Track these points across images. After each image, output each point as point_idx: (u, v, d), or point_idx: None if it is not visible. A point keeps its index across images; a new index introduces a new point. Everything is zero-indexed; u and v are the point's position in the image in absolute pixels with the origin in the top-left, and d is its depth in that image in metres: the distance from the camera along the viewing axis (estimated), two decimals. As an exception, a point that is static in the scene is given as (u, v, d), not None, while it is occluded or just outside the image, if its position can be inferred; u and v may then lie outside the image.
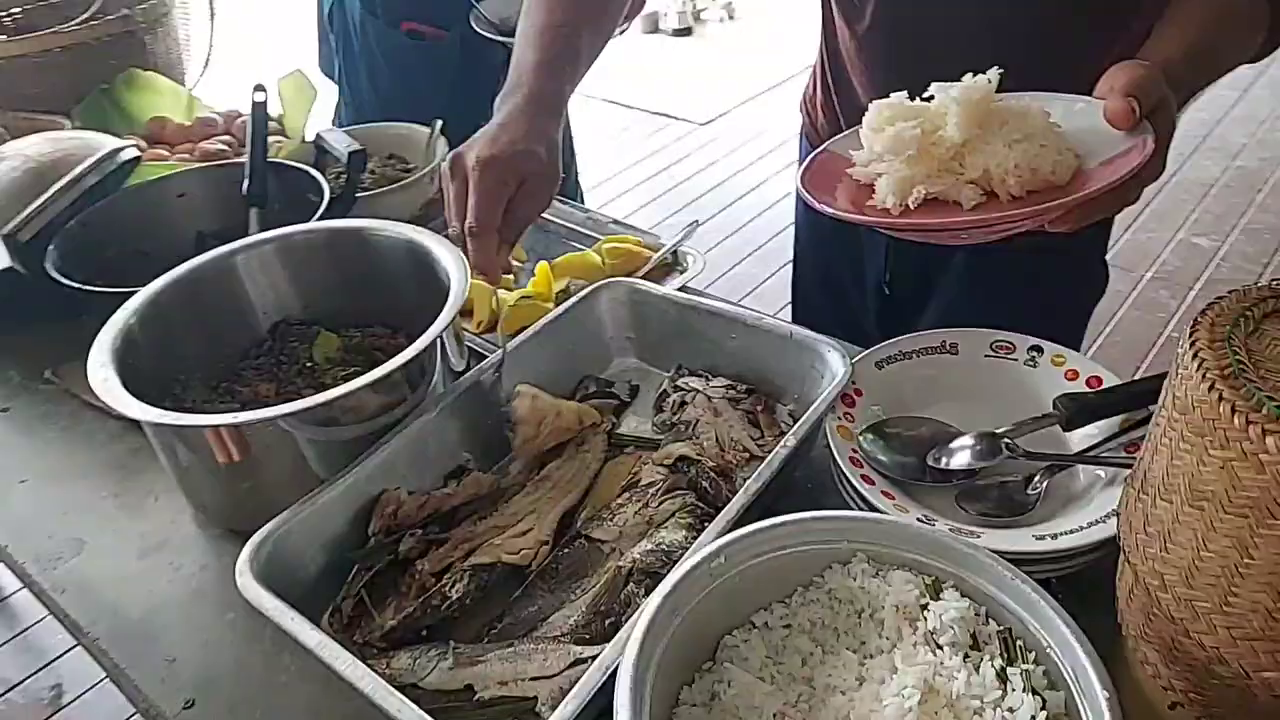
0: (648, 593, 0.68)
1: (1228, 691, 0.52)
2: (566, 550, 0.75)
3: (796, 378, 0.86)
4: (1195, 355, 0.48)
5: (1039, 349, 0.81)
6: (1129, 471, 0.63)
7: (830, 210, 0.73)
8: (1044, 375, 0.80)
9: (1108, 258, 1.07)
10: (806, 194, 0.74)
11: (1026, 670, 0.53)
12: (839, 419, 0.77)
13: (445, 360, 0.87)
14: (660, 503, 0.76)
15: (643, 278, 1.04)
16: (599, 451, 0.85)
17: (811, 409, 0.76)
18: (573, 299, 0.94)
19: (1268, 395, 0.45)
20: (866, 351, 0.83)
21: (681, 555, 0.69)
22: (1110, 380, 0.76)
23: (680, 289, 1.04)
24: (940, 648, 0.56)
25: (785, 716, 0.57)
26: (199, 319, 0.94)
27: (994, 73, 0.72)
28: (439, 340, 0.82)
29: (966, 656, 0.55)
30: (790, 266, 1.29)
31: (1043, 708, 0.52)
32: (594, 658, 0.61)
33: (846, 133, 0.81)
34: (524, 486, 0.81)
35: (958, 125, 0.71)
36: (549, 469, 0.82)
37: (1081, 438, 0.75)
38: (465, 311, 1.03)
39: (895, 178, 0.72)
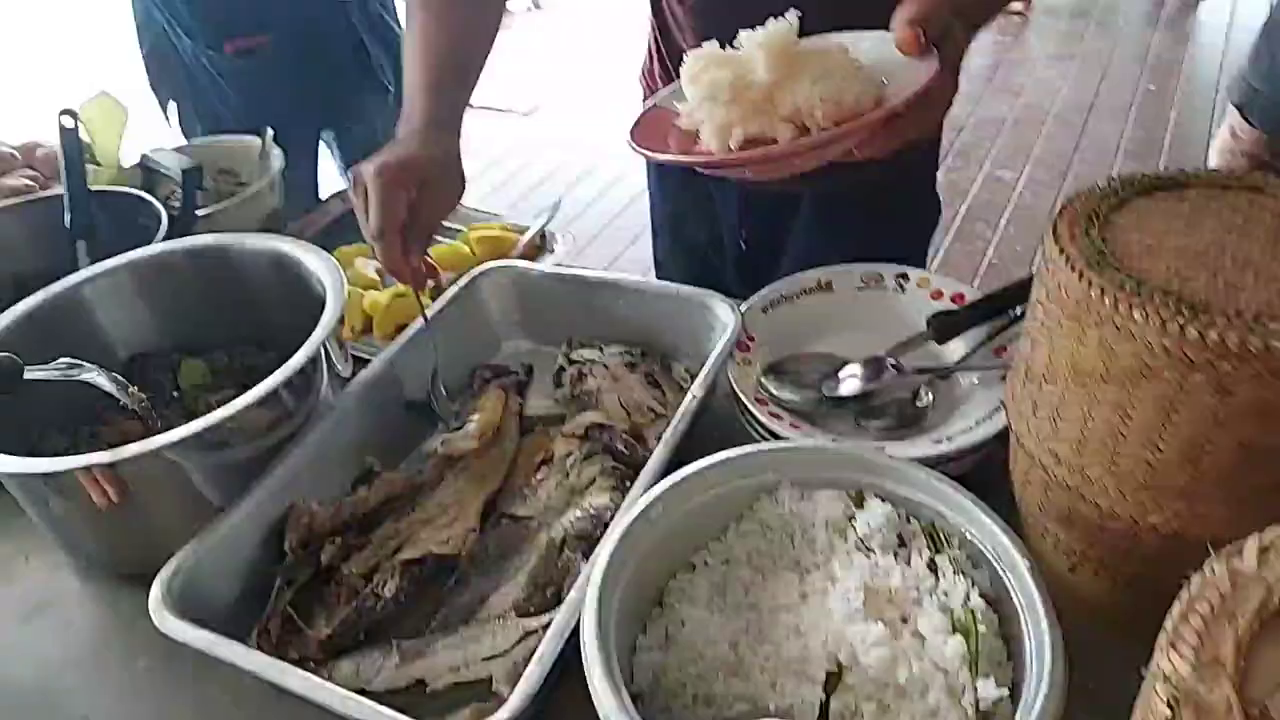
0: (585, 556, 0.69)
1: (1120, 542, 0.58)
2: (494, 532, 0.74)
3: (688, 335, 0.89)
4: (1061, 251, 0.54)
5: (905, 276, 0.88)
6: (1005, 370, 0.70)
7: (662, 156, 0.77)
8: (913, 299, 0.86)
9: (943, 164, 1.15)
10: (635, 144, 0.77)
11: (953, 556, 0.58)
12: (737, 364, 0.81)
13: (331, 368, 0.85)
14: (580, 471, 0.77)
15: (517, 261, 1.03)
16: (513, 434, 0.85)
17: (712, 358, 0.79)
18: (453, 289, 0.93)
19: (1127, 275, 0.51)
20: (752, 299, 0.87)
21: (611, 516, 0.71)
22: (971, 296, 0.83)
23: (556, 265, 1.05)
24: (872, 551, 0.60)
25: (739, 642, 0.60)
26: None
27: (792, 15, 0.77)
28: (322, 348, 0.79)
29: (896, 554, 0.60)
30: (645, 241, 1.32)
31: (973, 585, 0.56)
32: (545, 627, 0.62)
33: (671, 86, 0.84)
34: (441, 480, 0.80)
35: (765, 68, 0.76)
36: (465, 459, 0.81)
37: (954, 349, 0.82)
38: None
39: (715, 123, 0.76)
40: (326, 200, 1.33)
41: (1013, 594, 0.55)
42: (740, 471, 0.64)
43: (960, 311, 0.81)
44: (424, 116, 0.84)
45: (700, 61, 0.78)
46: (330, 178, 1.74)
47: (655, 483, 0.66)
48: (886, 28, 0.78)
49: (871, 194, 0.99)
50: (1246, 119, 1.23)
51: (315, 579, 0.71)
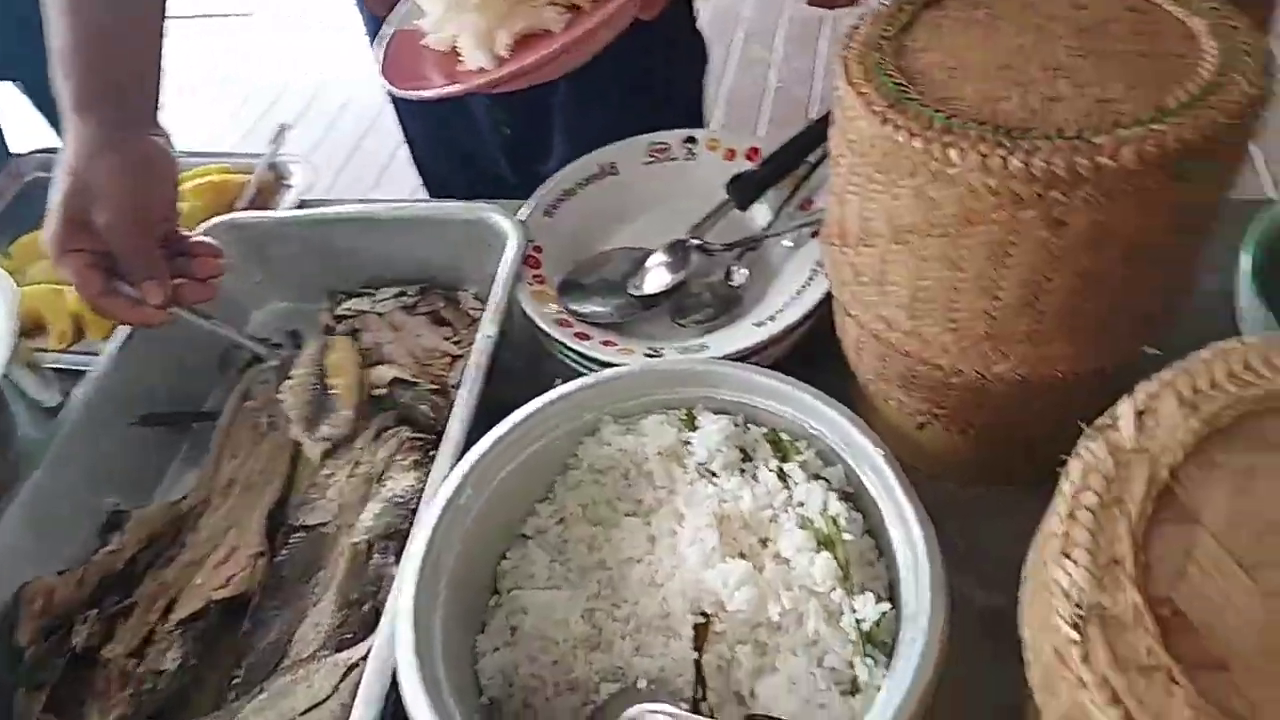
0: (399, 556, 0.58)
1: (966, 397, 0.54)
2: (286, 552, 0.62)
3: (469, 258, 0.76)
4: (857, 94, 0.46)
5: (692, 139, 0.78)
6: (817, 229, 0.63)
7: (431, 93, 0.65)
8: (706, 164, 0.77)
9: (700, 27, 1.05)
10: (395, 88, 0.67)
11: (802, 460, 0.51)
12: (530, 284, 0.70)
13: (26, 401, 0.67)
14: (374, 452, 0.65)
15: (247, 209, 0.86)
16: (284, 421, 0.71)
17: (497, 285, 0.67)
18: (171, 262, 0.76)
19: (934, 109, 0.44)
20: (529, 203, 0.75)
21: (418, 501, 0.60)
22: (766, 149, 0.75)
23: (298, 206, 0.89)
24: (715, 474, 0.53)
25: (594, 611, 0.52)
26: None
27: None
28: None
29: (743, 471, 0.53)
30: (405, 156, 1.16)
31: (828, 488, 0.50)
32: (365, 658, 0.52)
33: (404, 4, 0.72)
34: (209, 502, 0.66)
35: None
36: (229, 470, 0.68)
37: (760, 212, 0.74)
38: (35, 330, 0.80)
39: (473, 32, 0.65)
40: (14, 160, 1.05)
41: (870, 486, 0.50)
42: (551, 421, 0.55)
43: (757, 169, 0.73)
44: (90, 132, 0.65)
45: None
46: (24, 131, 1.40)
47: (461, 453, 0.55)
48: None
49: (628, 51, 0.88)
50: None
51: (72, 671, 0.57)
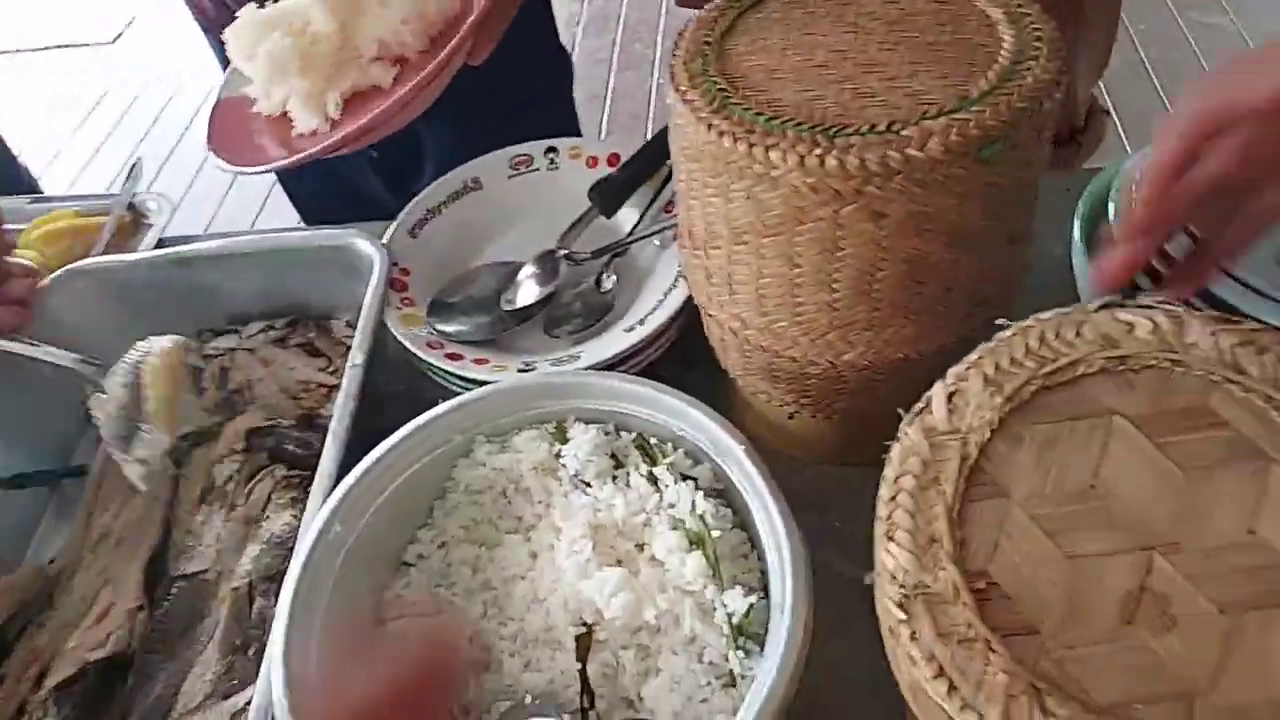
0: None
1: (824, 385, 0.56)
2: (167, 604, 0.60)
3: (337, 284, 0.75)
4: (684, 101, 0.47)
5: (554, 150, 0.78)
6: (676, 229, 0.64)
7: (262, 168, 0.66)
8: (570, 173, 0.77)
9: (579, 28, 1.06)
10: (225, 163, 0.66)
11: (670, 462, 0.53)
12: (399, 308, 0.69)
13: None
14: (248, 495, 0.64)
15: (106, 252, 0.83)
16: (157, 469, 0.69)
17: (364, 311, 0.66)
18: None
19: (756, 113, 0.45)
20: (392, 225, 0.74)
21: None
22: (627, 153, 0.75)
23: (159, 244, 0.86)
24: (589, 484, 0.53)
25: (484, 621, 0.52)
26: None
27: None
28: None
29: (615, 479, 0.54)
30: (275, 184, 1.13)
31: (697, 487, 0.52)
32: (250, 702, 0.51)
33: (228, 72, 0.71)
34: (81, 560, 0.64)
35: (323, 13, 0.64)
36: (102, 523, 0.65)
37: (626, 217, 0.75)
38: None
39: (302, 96, 0.65)
40: None
41: (737, 482, 0.51)
42: (422, 446, 0.55)
43: (618, 174, 0.73)
44: None
45: (245, 34, 0.65)
46: None
47: (333, 486, 0.55)
48: None
49: (492, 69, 0.87)
50: None
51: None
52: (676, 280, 0.66)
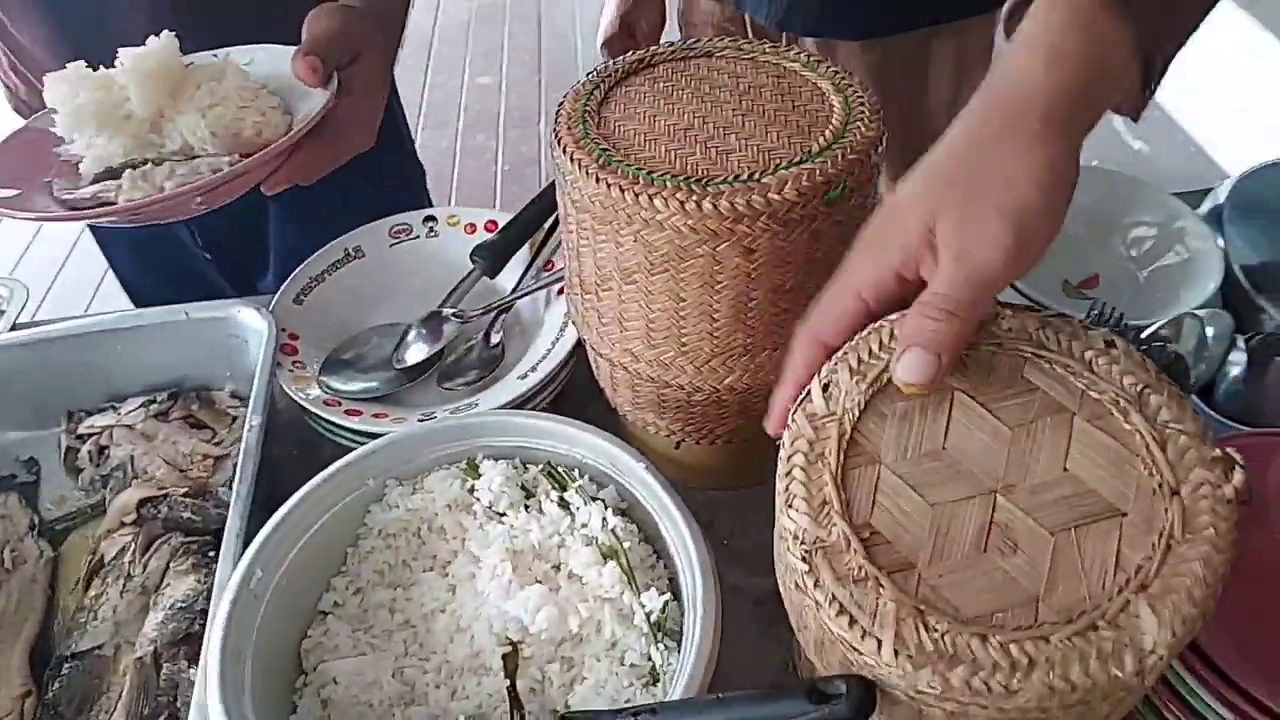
0: (191, 660, 0.57)
1: (708, 411, 0.62)
2: (57, 686, 0.58)
3: (217, 356, 0.76)
4: (572, 160, 0.53)
5: (433, 218, 0.83)
6: (563, 286, 0.70)
7: (22, 215, 0.65)
8: (450, 240, 0.82)
9: (421, 120, 1.11)
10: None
11: (579, 486, 0.57)
12: (290, 370, 0.71)
13: None
14: (145, 565, 0.63)
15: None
16: (34, 554, 0.66)
17: (256, 378, 0.68)
18: None
19: (637, 168, 0.52)
20: (280, 293, 0.76)
21: (205, 601, 0.59)
22: (503, 219, 0.81)
23: (12, 329, 0.83)
24: (503, 514, 0.57)
25: (403, 669, 0.54)
26: None
27: (167, 36, 0.69)
28: None
29: (527, 507, 0.58)
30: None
31: (605, 507, 0.56)
32: (173, 767, 0.50)
33: (47, 110, 0.71)
34: (-50, 655, 0.61)
35: (141, 99, 0.67)
36: (-27, 615, 0.62)
37: (508, 277, 0.80)
38: None
39: (93, 155, 0.67)
40: None
41: (641, 499, 0.56)
42: (334, 494, 0.57)
43: (498, 238, 0.79)
44: None
45: (62, 86, 0.67)
46: None
47: (242, 547, 0.56)
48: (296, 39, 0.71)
49: (347, 182, 0.90)
50: None
51: None
52: (563, 329, 0.72)
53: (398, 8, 0.81)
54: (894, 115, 0.58)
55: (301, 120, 0.68)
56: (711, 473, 0.69)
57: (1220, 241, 0.73)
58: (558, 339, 0.71)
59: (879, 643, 0.36)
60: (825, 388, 0.43)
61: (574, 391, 0.72)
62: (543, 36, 3.42)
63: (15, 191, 0.66)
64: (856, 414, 0.41)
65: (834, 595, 0.37)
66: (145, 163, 0.66)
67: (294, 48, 0.70)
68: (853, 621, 0.36)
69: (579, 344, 0.69)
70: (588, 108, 0.57)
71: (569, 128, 0.55)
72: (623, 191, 0.50)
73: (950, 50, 0.98)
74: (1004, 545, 0.37)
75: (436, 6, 3.58)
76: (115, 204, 0.64)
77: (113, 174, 0.66)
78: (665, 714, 0.41)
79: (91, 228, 1.04)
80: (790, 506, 0.39)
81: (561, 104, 0.58)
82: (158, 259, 1.05)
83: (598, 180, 0.51)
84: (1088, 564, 0.36)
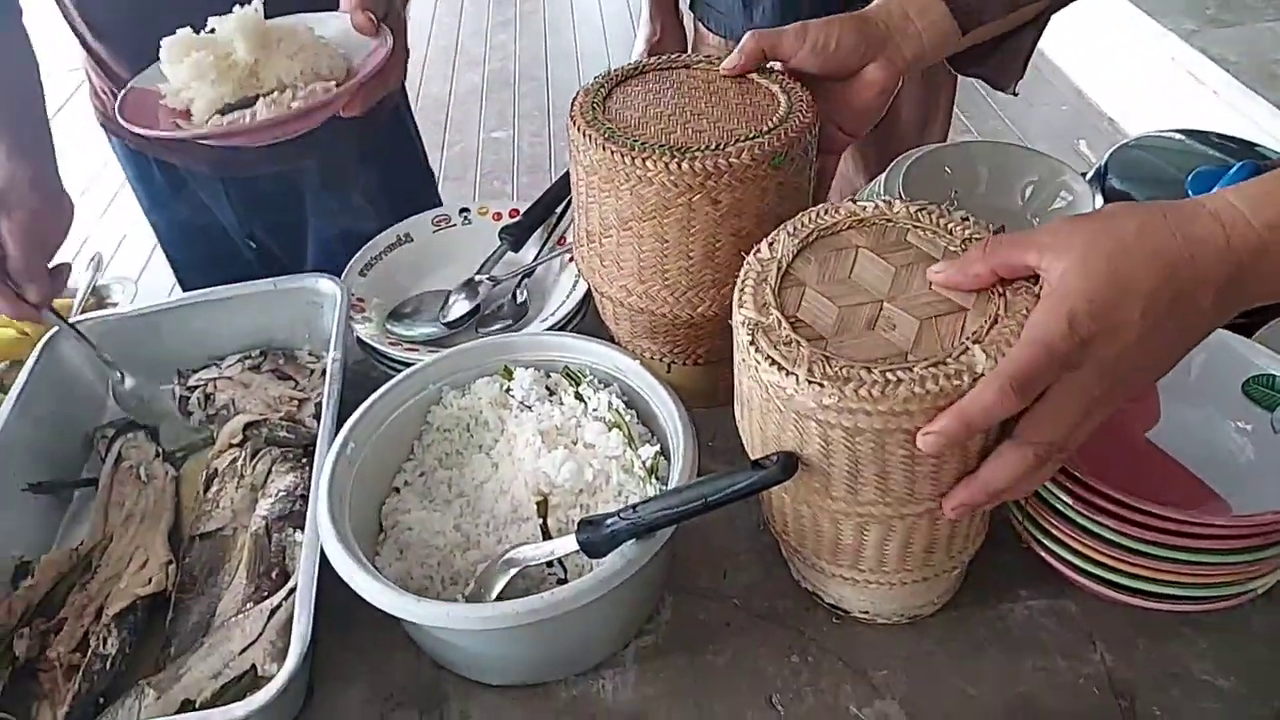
0: (297, 528, 0.74)
1: (690, 334, 0.80)
2: (191, 558, 0.75)
3: (298, 320, 0.94)
4: (583, 135, 0.72)
5: (466, 209, 1.02)
6: (569, 254, 0.88)
7: (156, 133, 0.84)
8: (481, 226, 1.01)
9: (440, 169, 1.31)
10: (128, 124, 0.83)
11: (589, 381, 0.75)
12: (360, 323, 0.89)
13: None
14: (254, 468, 0.80)
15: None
16: (161, 472, 0.84)
17: (334, 324, 0.86)
18: (27, 366, 0.86)
19: (634, 140, 0.70)
20: (347, 267, 0.95)
21: (303, 491, 0.76)
22: (523, 207, 1.00)
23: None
24: (531, 406, 0.74)
25: (460, 522, 0.70)
26: None
27: (258, 2, 0.88)
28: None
29: (550, 401, 0.75)
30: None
31: (611, 394, 0.74)
32: (289, 595, 0.67)
33: (146, 70, 0.90)
34: (108, 539, 0.78)
35: (245, 48, 0.86)
36: (125, 509, 0.79)
37: (530, 251, 0.99)
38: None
39: (205, 99, 0.85)
40: None
41: (640, 392, 0.74)
42: (405, 393, 0.74)
43: (523, 219, 0.98)
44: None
45: (177, 47, 0.85)
46: None
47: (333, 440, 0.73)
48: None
49: (362, 173, 1.10)
50: (706, 28, 1.49)
51: (16, 679, 0.66)
52: (574, 286, 0.90)
53: None
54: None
55: (362, 60, 0.87)
56: (699, 392, 0.86)
57: (1099, 198, 0.91)
58: (570, 291, 0.90)
59: (797, 377, 0.52)
60: (770, 244, 0.61)
61: (585, 327, 0.90)
62: (551, 93, 3.69)
63: (154, 131, 0.84)
64: (790, 258, 0.59)
65: (769, 355, 0.54)
66: (255, 99, 0.85)
67: (335, 13, 0.89)
68: (780, 368, 0.53)
69: (585, 297, 0.87)
70: (595, 100, 0.76)
71: (582, 113, 0.74)
72: (621, 157, 0.69)
73: None
74: (886, 327, 0.55)
75: (452, 74, 3.86)
76: (250, 126, 0.81)
77: (231, 109, 0.84)
78: (655, 500, 0.58)
79: (158, 233, 1.24)
80: (741, 305, 0.57)
81: (575, 97, 0.77)
82: (212, 258, 1.23)
83: (603, 149, 0.70)
84: (942, 333, 0.54)
